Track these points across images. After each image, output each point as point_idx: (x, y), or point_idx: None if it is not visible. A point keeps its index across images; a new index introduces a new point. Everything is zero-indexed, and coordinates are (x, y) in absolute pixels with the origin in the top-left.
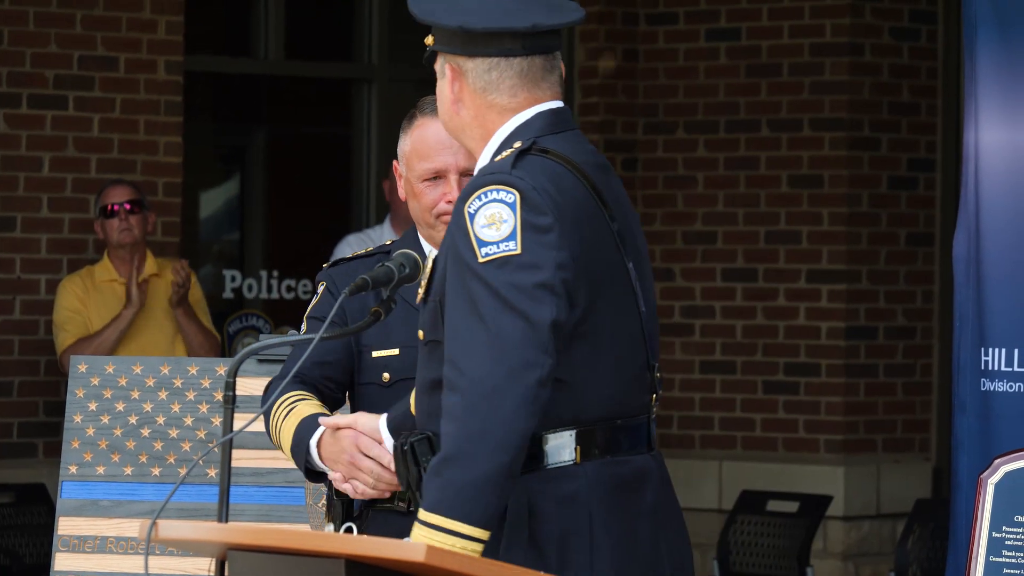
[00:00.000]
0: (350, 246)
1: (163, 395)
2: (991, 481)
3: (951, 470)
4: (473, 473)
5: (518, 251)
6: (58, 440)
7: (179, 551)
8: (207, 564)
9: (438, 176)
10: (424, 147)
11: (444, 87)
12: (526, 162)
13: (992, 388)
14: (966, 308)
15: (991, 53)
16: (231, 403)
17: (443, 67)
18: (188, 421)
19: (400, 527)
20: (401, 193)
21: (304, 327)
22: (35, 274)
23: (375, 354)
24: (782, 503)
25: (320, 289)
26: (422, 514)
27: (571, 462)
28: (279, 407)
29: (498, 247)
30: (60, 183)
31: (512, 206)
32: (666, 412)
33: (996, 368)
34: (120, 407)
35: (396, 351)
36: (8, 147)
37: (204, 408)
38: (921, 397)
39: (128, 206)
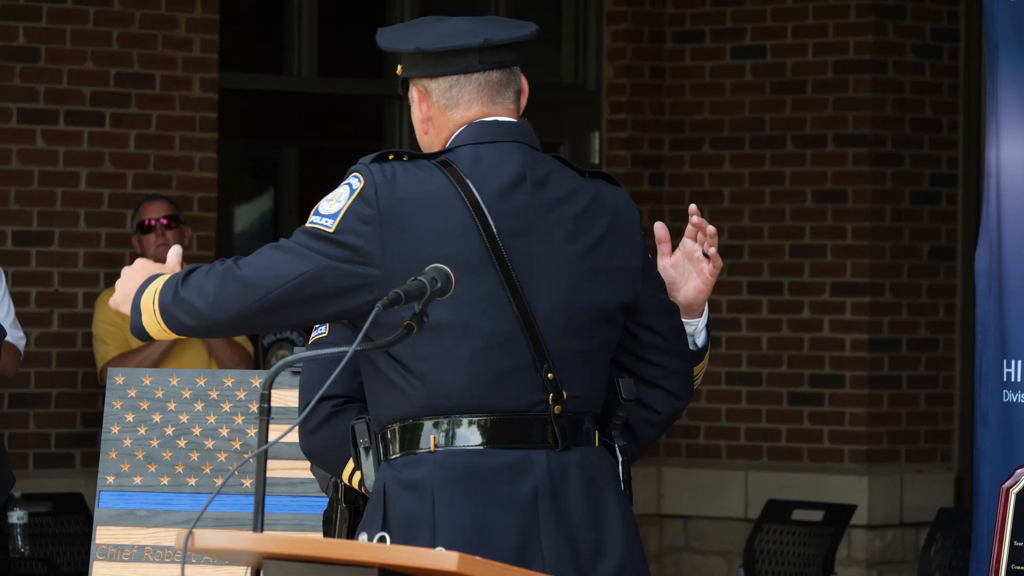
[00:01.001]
0: None
1: (199, 407)
2: (1013, 491)
3: (973, 480)
4: None
5: (331, 230)
6: (95, 450)
7: (215, 560)
8: (242, 573)
9: None
10: None
11: (414, 110)
12: (395, 163)
13: (1014, 399)
14: (988, 321)
15: (1012, 71)
16: (266, 414)
17: (412, 92)
18: (224, 432)
19: None
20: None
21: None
22: (73, 288)
23: None
24: (807, 512)
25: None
26: None
27: (425, 450)
28: None
29: (321, 219)
30: (97, 198)
31: (352, 191)
32: (693, 423)
33: (1017, 380)
34: (157, 418)
35: None
36: (46, 163)
37: (240, 419)
38: (944, 408)
39: (165, 221)
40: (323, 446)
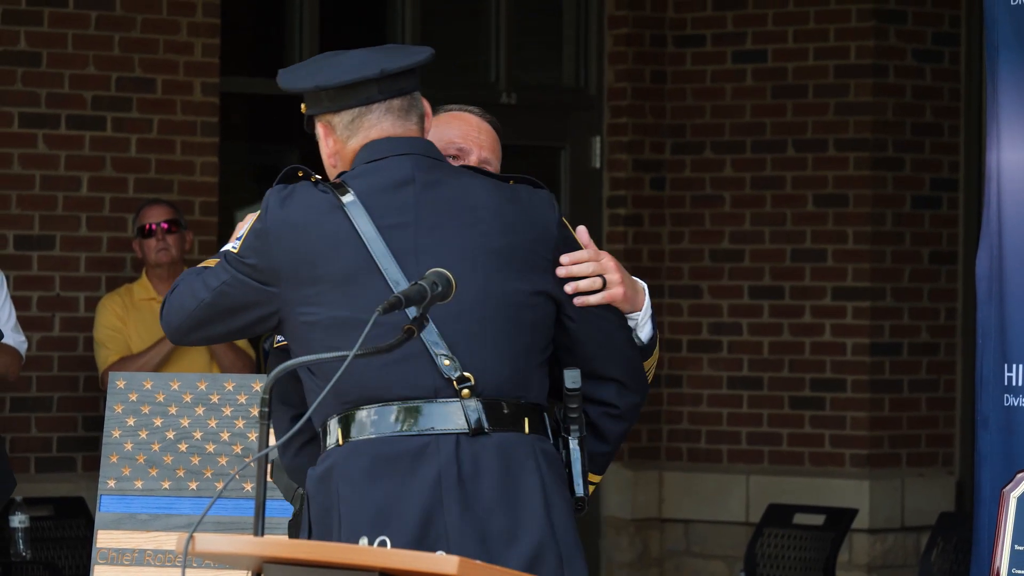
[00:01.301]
0: None
1: (200, 411)
2: (1013, 495)
3: (974, 484)
4: None
5: (237, 250)
6: (97, 454)
7: (216, 564)
8: None
9: (458, 156)
10: (454, 128)
11: (321, 146)
12: (296, 184)
13: (1015, 403)
14: (988, 325)
15: (1013, 75)
16: (267, 419)
17: (318, 129)
18: (225, 436)
19: None
20: None
21: None
22: (74, 292)
23: None
24: (808, 516)
25: None
26: None
27: (334, 444)
28: None
29: (233, 243)
30: (98, 202)
31: (256, 216)
32: (694, 427)
33: (1018, 384)
34: (158, 422)
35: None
36: (47, 167)
37: (240, 423)
38: (945, 412)
39: (165, 225)
40: (303, 469)
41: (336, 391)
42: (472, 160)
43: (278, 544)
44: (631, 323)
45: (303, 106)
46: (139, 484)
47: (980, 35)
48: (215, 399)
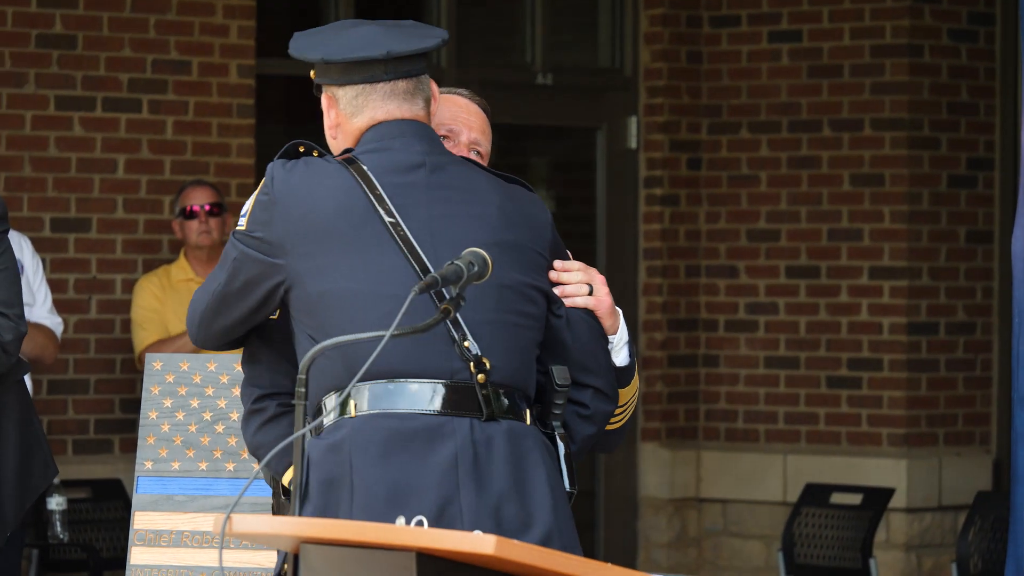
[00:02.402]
0: None
1: (237, 391)
2: None
3: (1011, 462)
4: None
5: (244, 227)
6: (134, 436)
7: (253, 545)
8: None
9: (447, 137)
10: (443, 111)
11: (326, 119)
12: (301, 160)
13: None
14: None
15: None
16: (303, 399)
17: (323, 99)
18: None
19: None
20: None
21: None
22: (111, 274)
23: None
24: (845, 496)
25: None
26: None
27: (347, 416)
28: None
29: (240, 220)
30: (135, 184)
31: (260, 190)
32: (732, 407)
33: None
34: (195, 403)
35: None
36: (83, 149)
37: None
38: (981, 391)
39: (208, 207)
40: (267, 444)
41: (349, 363)
42: (462, 141)
43: (315, 524)
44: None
45: (312, 72)
46: (176, 465)
47: (1015, 14)
48: None
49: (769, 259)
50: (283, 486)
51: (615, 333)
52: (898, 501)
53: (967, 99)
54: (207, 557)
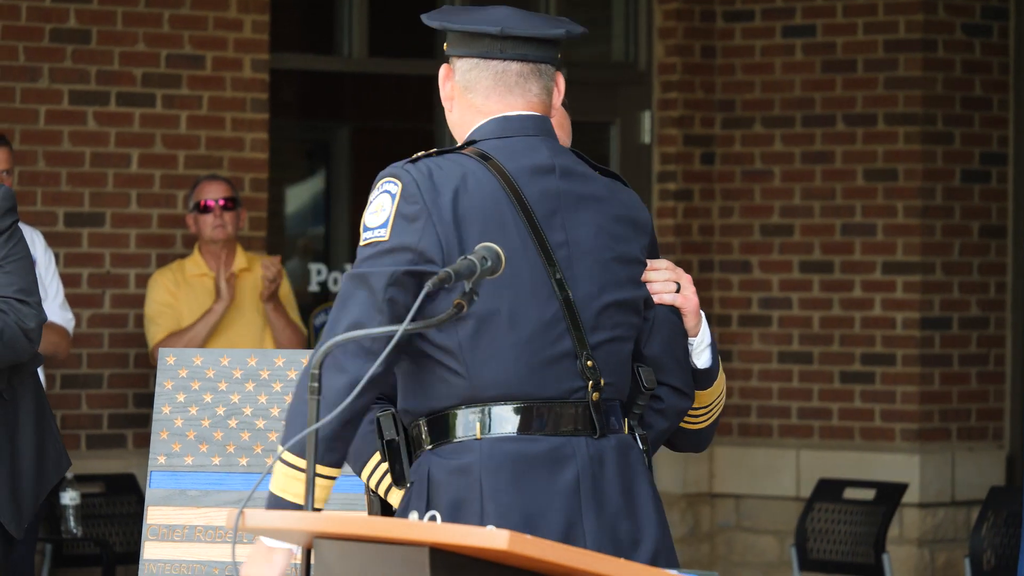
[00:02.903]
0: None
1: (250, 386)
2: None
3: None
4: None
5: (385, 238)
6: (147, 431)
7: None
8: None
9: None
10: None
11: (443, 89)
12: (431, 159)
13: None
14: None
15: None
16: (316, 394)
17: (443, 68)
18: (275, 412)
19: None
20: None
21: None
22: (124, 268)
23: None
24: (859, 491)
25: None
26: (284, 454)
27: (471, 437)
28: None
29: (373, 232)
30: (148, 179)
31: (393, 197)
32: (744, 402)
33: None
34: (208, 398)
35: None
36: (97, 144)
37: (289, 399)
38: (995, 386)
39: (223, 202)
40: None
41: (475, 383)
42: None
43: (328, 519)
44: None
45: (445, 44)
46: (189, 460)
47: None
48: (265, 375)
49: (783, 254)
50: (366, 485)
51: (696, 335)
52: (911, 496)
53: (981, 94)
54: (220, 552)
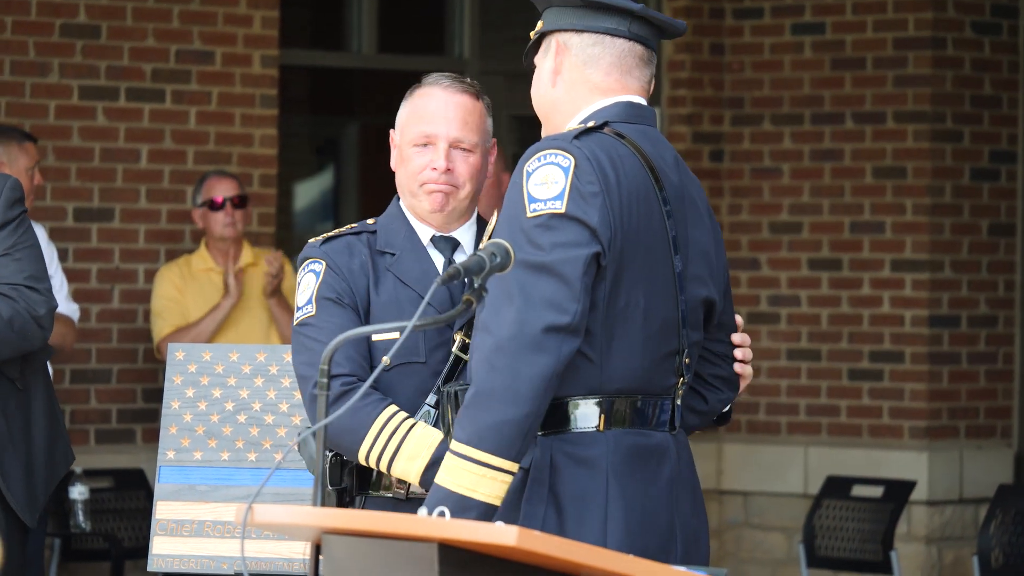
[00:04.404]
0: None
1: (259, 382)
2: None
3: None
4: (508, 414)
5: (562, 210)
6: (156, 426)
7: (275, 535)
8: (302, 547)
9: (428, 143)
10: (422, 112)
11: (547, 62)
12: (591, 137)
13: None
14: None
15: None
16: (326, 389)
17: (549, 44)
18: (284, 407)
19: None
20: (393, 163)
21: (314, 308)
22: (133, 264)
23: (375, 338)
24: (867, 488)
25: (319, 268)
26: (456, 446)
27: (594, 428)
28: (395, 425)
29: (545, 204)
30: (158, 174)
31: (566, 170)
32: (753, 399)
33: None
34: (217, 393)
35: (396, 335)
36: (107, 139)
37: (299, 395)
38: (1003, 384)
39: (236, 200)
40: (337, 424)
41: (605, 372)
42: (441, 149)
43: (337, 515)
44: None
45: (539, 24)
46: (198, 455)
47: None
48: (274, 370)
49: (791, 251)
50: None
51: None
52: (919, 494)
53: (990, 92)
54: (229, 547)
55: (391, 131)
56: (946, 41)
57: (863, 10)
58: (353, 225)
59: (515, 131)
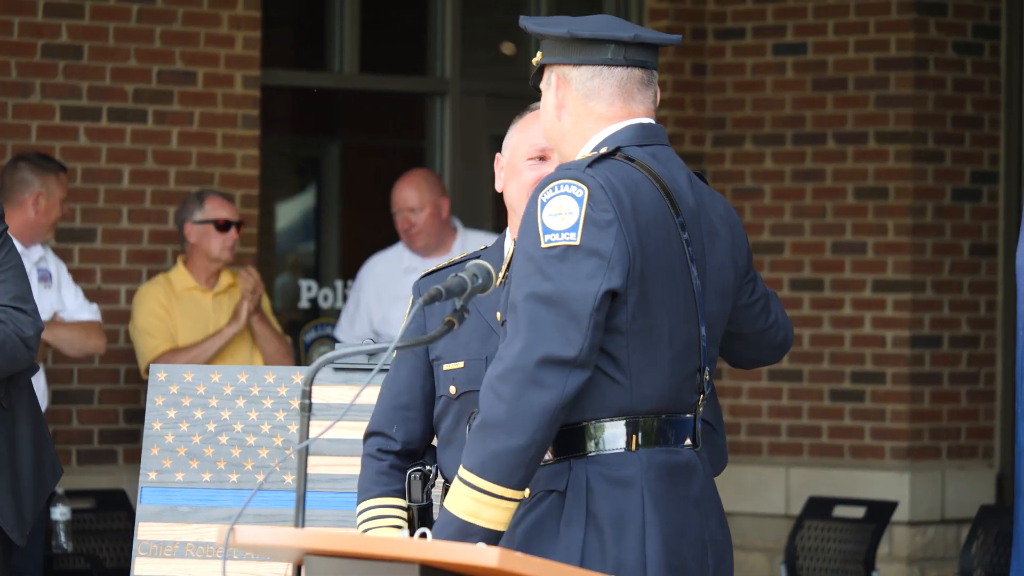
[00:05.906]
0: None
1: (241, 403)
2: None
3: (1015, 476)
4: (510, 443)
5: (577, 242)
6: (138, 447)
7: (256, 556)
8: (284, 569)
9: (543, 157)
10: (536, 130)
11: (549, 96)
12: (603, 164)
13: None
14: None
15: None
16: (307, 411)
17: (550, 77)
18: (265, 428)
19: None
20: (498, 185)
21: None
22: (115, 284)
23: (445, 367)
24: (848, 509)
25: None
26: (463, 472)
27: (624, 449)
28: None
29: (559, 236)
30: (139, 195)
31: (579, 200)
32: (734, 419)
33: None
34: (199, 414)
35: (462, 364)
36: (89, 160)
37: (281, 416)
38: (985, 404)
39: (238, 224)
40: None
41: (635, 394)
42: (554, 163)
43: (319, 536)
44: None
45: (538, 55)
46: (180, 476)
47: (1021, 27)
48: (256, 391)
49: (773, 272)
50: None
51: None
52: (901, 514)
53: (972, 112)
54: (210, 568)
55: (497, 155)
56: (928, 61)
57: (845, 30)
58: (465, 255)
59: (496, 151)
